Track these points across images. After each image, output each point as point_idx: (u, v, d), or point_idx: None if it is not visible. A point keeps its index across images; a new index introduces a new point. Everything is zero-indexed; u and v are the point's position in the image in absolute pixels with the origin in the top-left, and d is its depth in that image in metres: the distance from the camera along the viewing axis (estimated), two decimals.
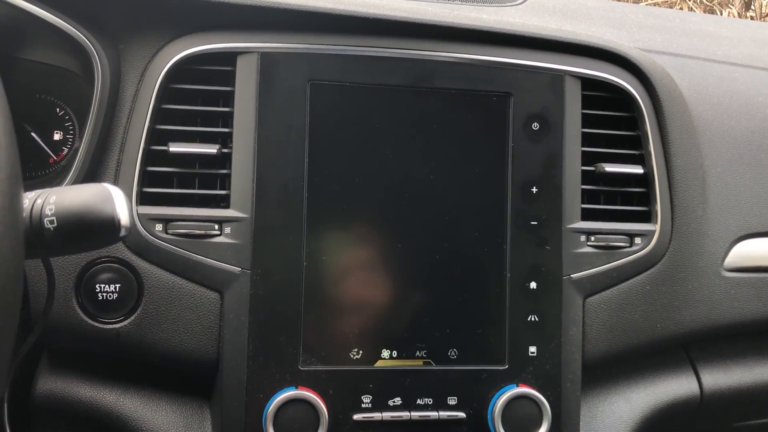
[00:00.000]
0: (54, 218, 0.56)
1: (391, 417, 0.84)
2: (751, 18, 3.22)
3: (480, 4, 1.08)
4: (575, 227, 0.89)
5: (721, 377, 1.01)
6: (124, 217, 0.57)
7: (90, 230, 0.56)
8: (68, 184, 0.80)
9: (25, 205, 0.57)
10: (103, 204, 0.56)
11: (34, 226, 0.56)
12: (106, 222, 0.56)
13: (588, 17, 1.10)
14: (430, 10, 0.92)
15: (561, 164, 0.89)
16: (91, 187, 0.58)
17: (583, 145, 0.91)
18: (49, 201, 0.57)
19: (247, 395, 0.81)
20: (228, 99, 0.84)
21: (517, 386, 0.86)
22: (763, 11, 3.28)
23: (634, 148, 0.94)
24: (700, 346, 1.01)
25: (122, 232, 0.57)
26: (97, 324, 0.81)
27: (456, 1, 1.08)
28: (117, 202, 0.57)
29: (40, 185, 0.88)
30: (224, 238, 0.82)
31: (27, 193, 0.59)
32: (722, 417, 1.07)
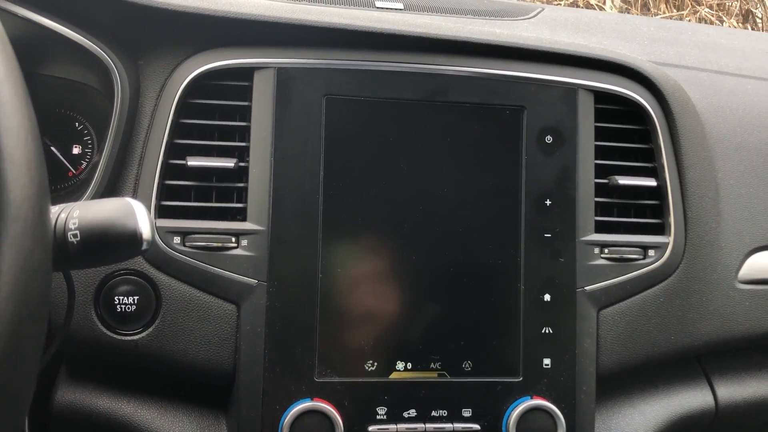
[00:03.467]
0: (77, 232, 0.57)
1: (406, 429, 0.84)
2: (751, 29, 3.22)
3: (492, 18, 1.09)
4: (589, 239, 0.90)
5: (736, 390, 1.01)
6: (146, 231, 0.58)
7: (113, 244, 0.57)
8: (88, 198, 0.82)
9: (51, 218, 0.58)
10: (126, 218, 0.57)
11: (58, 240, 0.57)
12: (128, 236, 0.57)
13: (600, 30, 1.11)
14: (444, 24, 0.93)
15: (575, 177, 0.89)
16: (114, 201, 0.59)
17: (596, 158, 0.91)
18: (73, 215, 0.58)
19: (263, 406, 0.82)
20: (245, 113, 0.86)
21: (532, 398, 0.86)
22: (765, 26, 3.28)
23: (647, 160, 0.95)
24: (714, 359, 1.01)
25: (144, 246, 0.58)
26: (115, 335, 0.82)
27: (468, 15, 1.09)
28: (139, 216, 0.58)
29: (60, 199, 0.90)
30: (241, 250, 0.83)
31: (50, 207, 0.60)
32: (737, 430, 1.07)
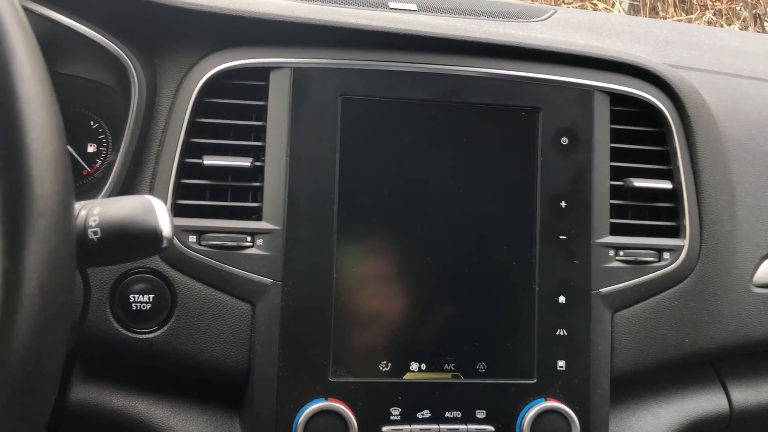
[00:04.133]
0: (98, 229, 0.57)
1: (420, 429, 0.84)
2: (765, 30, 3.22)
3: (506, 19, 1.08)
4: (604, 242, 0.89)
5: (751, 394, 1.00)
6: (166, 229, 0.58)
7: (133, 241, 0.57)
8: (104, 196, 0.82)
9: None
10: (146, 215, 0.57)
11: (79, 237, 0.57)
12: (148, 233, 0.57)
13: (613, 33, 1.11)
14: (459, 25, 0.93)
15: (590, 179, 0.89)
16: (134, 198, 0.59)
17: (611, 160, 0.91)
18: (93, 212, 0.58)
19: (277, 406, 0.82)
20: (261, 113, 0.86)
21: (546, 400, 0.86)
22: None
23: (663, 163, 0.94)
24: (729, 363, 1.00)
25: (164, 244, 0.58)
26: (130, 334, 0.82)
27: (482, 17, 1.09)
28: (159, 213, 0.58)
29: (75, 197, 0.90)
30: (256, 249, 0.83)
31: None
32: None
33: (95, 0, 0.82)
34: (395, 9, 1.05)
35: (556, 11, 1.16)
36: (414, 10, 1.06)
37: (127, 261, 0.75)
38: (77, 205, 0.59)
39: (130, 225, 0.57)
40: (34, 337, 0.41)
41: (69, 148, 0.94)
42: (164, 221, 0.58)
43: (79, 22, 0.82)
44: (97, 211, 0.58)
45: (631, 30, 1.15)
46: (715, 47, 1.15)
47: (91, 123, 0.96)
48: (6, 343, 0.40)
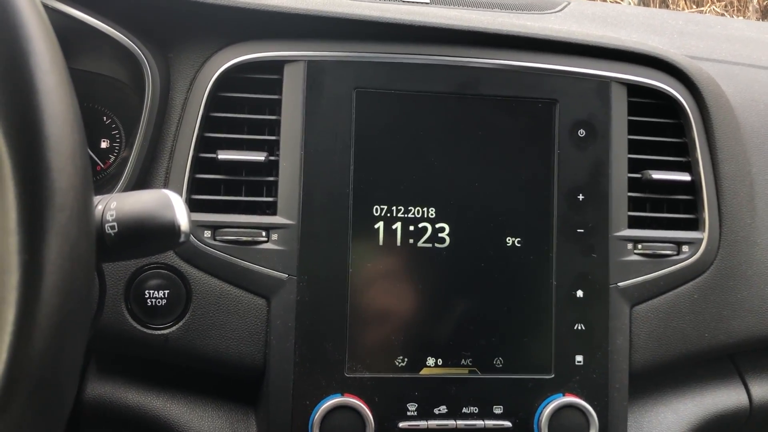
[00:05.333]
0: (115, 224, 0.57)
1: (437, 425, 0.83)
2: None
3: (520, 11, 1.07)
4: (622, 235, 0.88)
5: None
6: (184, 223, 0.57)
7: (150, 235, 0.57)
8: (119, 191, 0.81)
9: None
10: (164, 210, 0.57)
11: (97, 232, 0.57)
12: (166, 228, 0.57)
13: (628, 24, 1.10)
14: (474, 17, 0.92)
15: (607, 171, 0.88)
16: (151, 193, 0.58)
17: (629, 152, 0.90)
18: (110, 207, 0.57)
19: (293, 401, 0.81)
20: (275, 107, 0.85)
21: (564, 395, 0.85)
22: None
23: (681, 155, 0.93)
24: (748, 357, 0.99)
25: (182, 238, 0.57)
26: (145, 329, 0.81)
27: (496, 9, 1.08)
28: (177, 208, 0.57)
29: None
30: (271, 244, 0.82)
31: None
32: None
33: None
34: (409, 1, 1.04)
35: (569, 3, 1.15)
36: (427, 3, 1.05)
37: (144, 256, 0.74)
38: (94, 200, 0.59)
39: (147, 219, 0.57)
40: (54, 331, 0.40)
41: None
42: (182, 215, 0.57)
43: (93, 17, 0.81)
44: (114, 206, 0.57)
45: (645, 21, 1.14)
46: (731, 38, 1.13)
47: (104, 119, 0.96)
48: (26, 338, 0.39)
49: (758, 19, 3.35)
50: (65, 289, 0.41)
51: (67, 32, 0.85)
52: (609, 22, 1.09)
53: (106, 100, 0.96)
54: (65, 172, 0.42)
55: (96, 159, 0.95)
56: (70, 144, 0.43)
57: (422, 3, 1.05)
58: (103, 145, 0.96)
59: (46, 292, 0.40)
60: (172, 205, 0.57)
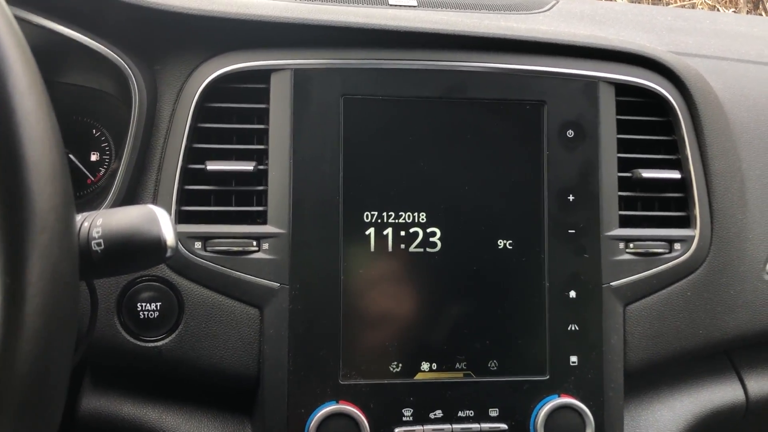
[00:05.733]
0: (101, 240, 0.57)
1: (433, 430, 0.83)
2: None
3: (507, 12, 1.07)
4: (613, 234, 0.88)
5: (767, 384, 0.99)
6: (170, 238, 0.57)
7: (137, 252, 0.57)
8: (108, 205, 0.82)
9: None
10: (150, 225, 0.57)
11: (82, 249, 0.57)
12: (152, 243, 0.57)
13: (617, 22, 1.10)
14: (460, 20, 0.92)
15: (597, 171, 0.88)
16: (137, 208, 0.58)
17: (618, 152, 0.90)
18: (96, 224, 0.57)
19: (288, 410, 0.81)
20: (263, 116, 0.85)
21: (559, 396, 0.85)
22: None
23: (671, 152, 0.93)
24: (744, 353, 0.99)
25: (168, 253, 0.58)
26: (139, 342, 0.81)
27: (483, 10, 1.08)
28: (163, 223, 0.57)
29: (80, 207, 0.90)
30: (262, 254, 0.82)
31: None
32: None
33: (93, 9, 0.81)
34: (395, 5, 1.04)
35: (557, 2, 1.15)
36: (414, 6, 1.05)
37: (131, 271, 0.75)
38: (80, 217, 0.59)
39: (133, 235, 0.57)
40: (38, 353, 0.40)
41: (71, 157, 0.94)
42: (168, 230, 0.57)
43: (78, 32, 0.81)
44: (99, 223, 0.57)
45: (634, 18, 1.14)
46: (720, 32, 1.13)
47: (94, 131, 0.96)
48: (10, 361, 0.39)
49: (749, 11, 3.35)
50: (48, 311, 0.41)
51: (54, 47, 0.85)
52: (597, 20, 1.09)
53: (95, 113, 0.96)
54: (45, 193, 0.42)
55: (86, 172, 0.95)
56: (50, 165, 0.43)
57: (409, 6, 1.05)
58: (93, 158, 0.95)
59: (29, 315, 0.40)
60: (158, 220, 0.58)
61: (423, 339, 0.84)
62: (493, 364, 0.85)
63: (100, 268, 0.57)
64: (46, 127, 0.43)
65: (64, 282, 0.42)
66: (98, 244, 0.57)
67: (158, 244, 0.57)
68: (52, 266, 0.41)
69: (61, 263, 0.42)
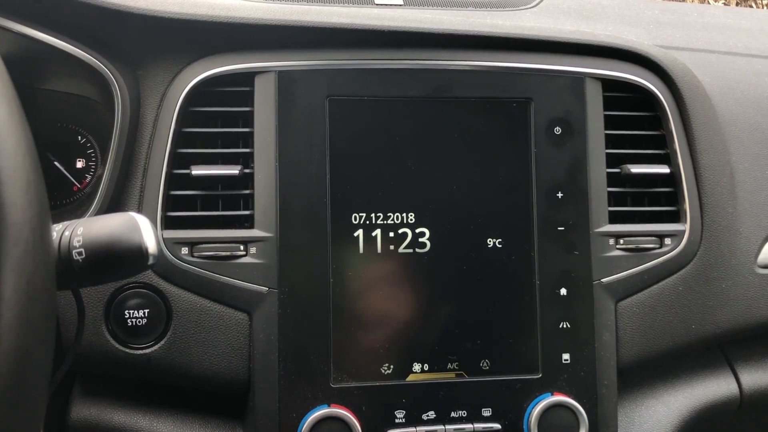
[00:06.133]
0: (82, 249, 0.56)
1: (426, 431, 0.83)
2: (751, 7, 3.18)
3: (493, 9, 1.07)
4: (603, 231, 0.88)
5: (760, 377, 0.99)
6: (151, 246, 0.57)
7: (118, 260, 0.56)
8: (93, 212, 0.81)
9: (53, 238, 0.57)
10: (130, 233, 0.56)
11: (63, 259, 0.56)
12: (134, 251, 0.56)
13: (604, 16, 1.09)
14: (445, 19, 0.91)
15: (585, 168, 0.88)
16: (118, 216, 0.58)
17: (607, 147, 0.90)
18: (77, 233, 0.57)
19: (279, 415, 0.81)
20: (248, 119, 0.84)
21: (552, 395, 0.85)
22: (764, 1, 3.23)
23: (660, 147, 0.93)
24: (737, 346, 0.99)
25: (150, 261, 0.57)
26: (127, 350, 0.81)
27: (469, 8, 1.07)
28: (144, 230, 0.57)
29: (66, 214, 0.89)
30: (250, 258, 0.82)
31: (54, 225, 0.59)
32: (764, 417, 1.05)
33: (73, 15, 0.81)
34: (381, 4, 1.03)
35: None
36: (400, 5, 1.05)
37: (114, 279, 0.74)
38: (60, 226, 0.58)
39: (114, 244, 0.56)
40: (14, 368, 0.40)
41: (57, 164, 0.93)
42: (149, 238, 0.57)
43: (58, 38, 0.80)
44: (80, 231, 0.57)
45: (621, 12, 1.13)
46: (707, 25, 1.13)
47: (79, 138, 0.95)
48: None
49: (738, 2, 3.34)
50: (23, 326, 0.40)
51: (35, 54, 0.84)
52: (584, 15, 1.08)
53: (80, 119, 0.95)
54: (18, 205, 0.41)
55: (72, 179, 0.94)
56: (24, 176, 0.42)
57: (395, 5, 1.05)
58: (79, 164, 0.95)
59: (4, 330, 0.39)
60: (139, 228, 0.57)
61: (414, 340, 0.84)
62: (485, 364, 0.85)
63: (82, 277, 0.57)
64: (19, 138, 0.43)
65: (39, 295, 0.41)
66: (79, 253, 0.56)
67: (140, 251, 0.56)
68: (27, 280, 0.40)
69: (35, 276, 0.41)
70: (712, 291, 0.92)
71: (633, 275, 0.88)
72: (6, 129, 0.42)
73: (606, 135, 0.90)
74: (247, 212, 0.83)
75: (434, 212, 0.85)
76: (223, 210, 0.84)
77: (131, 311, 0.81)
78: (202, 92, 0.84)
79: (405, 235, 0.84)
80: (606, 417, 0.86)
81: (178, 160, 0.83)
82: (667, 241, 0.90)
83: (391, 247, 0.84)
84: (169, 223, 0.82)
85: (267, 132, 0.83)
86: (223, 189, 0.84)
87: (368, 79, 0.85)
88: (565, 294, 0.86)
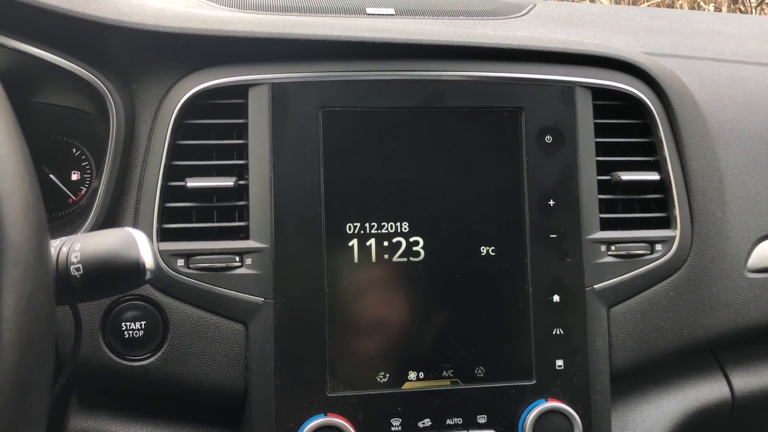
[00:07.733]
0: (80, 265, 0.57)
1: None
2: (740, 11, 3.21)
3: (484, 18, 1.08)
4: (595, 237, 0.89)
5: (752, 380, 1.00)
6: (148, 261, 0.57)
7: (116, 275, 0.57)
8: (89, 225, 0.81)
9: (51, 254, 0.57)
10: (128, 249, 0.57)
11: (61, 275, 0.57)
12: (131, 266, 0.57)
13: (594, 24, 1.10)
14: (436, 29, 0.92)
15: (576, 175, 0.89)
16: (115, 232, 0.58)
17: (597, 155, 0.91)
18: (74, 248, 0.57)
19: (276, 424, 0.81)
20: (242, 131, 0.85)
21: (546, 401, 0.85)
22: (752, 3, 3.25)
23: (649, 154, 0.94)
24: (728, 350, 1.00)
25: (147, 275, 0.58)
26: (124, 362, 0.81)
27: (460, 17, 1.08)
28: (141, 246, 0.57)
29: (62, 226, 0.90)
30: (245, 269, 0.82)
31: (51, 240, 0.59)
32: (756, 420, 1.06)
33: (68, 30, 0.81)
34: (373, 15, 1.04)
35: (535, 5, 1.15)
36: (391, 15, 1.05)
37: (112, 295, 0.75)
38: (57, 242, 0.59)
39: (112, 259, 0.57)
40: (14, 388, 0.40)
41: (53, 177, 0.94)
42: (146, 253, 0.57)
43: (53, 53, 0.81)
44: (78, 247, 0.57)
45: (611, 20, 1.14)
46: (696, 32, 1.14)
47: (74, 150, 0.96)
48: None
49: (729, 6, 3.37)
50: (23, 345, 0.41)
51: (29, 68, 0.85)
52: (574, 23, 1.10)
53: (75, 131, 0.95)
54: (18, 225, 0.42)
55: (67, 192, 0.94)
56: (23, 197, 0.43)
57: (386, 15, 1.06)
58: (74, 177, 0.95)
59: (4, 350, 0.40)
60: (136, 243, 0.58)
61: (409, 348, 0.85)
62: (479, 371, 0.86)
63: (80, 293, 0.57)
64: (18, 159, 0.43)
65: (39, 315, 0.42)
66: (77, 269, 0.57)
67: (137, 267, 0.57)
68: (27, 300, 0.41)
69: (35, 296, 0.42)
70: (703, 296, 0.93)
71: (625, 281, 0.89)
72: (5, 150, 0.42)
73: (596, 143, 0.91)
74: (242, 223, 0.84)
75: (428, 221, 0.86)
76: (218, 221, 0.84)
77: (128, 323, 0.81)
78: (196, 105, 0.84)
79: (399, 244, 0.85)
80: (599, 422, 0.87)
81: (173, 173, 0.84)
82: (658, 247, 0.91)
83: (386, 256, 0.85)
84: (164, 235, 0.83)
85: (261, 144, 0.84)
86: (218, 201, 0.84)
87: (361, 90, 0.86)
88: (558, 301, 0.87)
